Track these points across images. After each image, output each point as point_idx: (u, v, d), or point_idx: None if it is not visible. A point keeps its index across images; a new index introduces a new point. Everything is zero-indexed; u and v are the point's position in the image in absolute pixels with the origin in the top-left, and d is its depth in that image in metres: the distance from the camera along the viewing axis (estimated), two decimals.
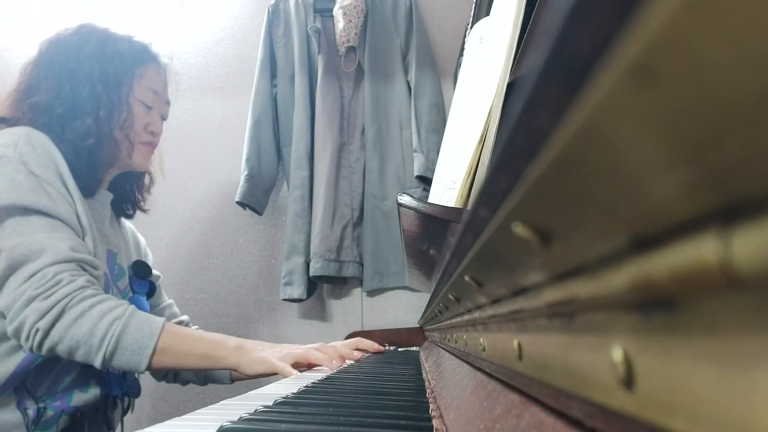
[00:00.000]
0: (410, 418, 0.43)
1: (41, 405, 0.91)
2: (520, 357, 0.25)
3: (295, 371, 0.89)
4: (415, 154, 1.73)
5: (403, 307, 1.77)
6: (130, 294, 1.07)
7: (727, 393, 0.10)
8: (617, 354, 0.14)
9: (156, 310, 1.17)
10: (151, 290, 1.13)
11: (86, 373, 0.97)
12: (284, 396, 0.54)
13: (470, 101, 0.80)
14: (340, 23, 1.74)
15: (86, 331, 0.82)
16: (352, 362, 1.03)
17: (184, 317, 1.23)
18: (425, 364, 0.86)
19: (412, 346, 1.55)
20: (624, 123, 0.10)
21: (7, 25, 2.03)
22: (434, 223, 0.66)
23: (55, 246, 0.84)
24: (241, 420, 0.41)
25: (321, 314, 1.82)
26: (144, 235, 1.24)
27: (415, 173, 1.71)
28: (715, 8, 0.07)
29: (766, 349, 0.09)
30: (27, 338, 0.82)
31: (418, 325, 1.49)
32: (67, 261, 0.85)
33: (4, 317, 0.85)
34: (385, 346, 1.45)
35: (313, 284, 1.73)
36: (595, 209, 0.13)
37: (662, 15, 0.08)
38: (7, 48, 2.00)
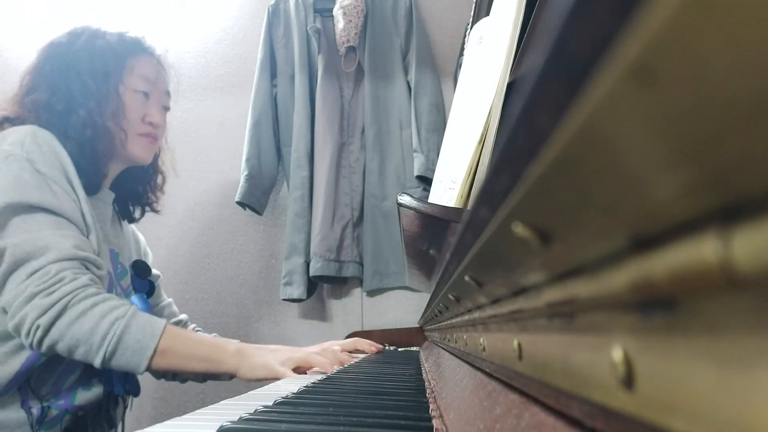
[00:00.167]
0: (410, 418, 0.42)
1: (45, 404, 0.91)
2: (520, 357, 0.25)
3: (296, 375, 0.89)
4: (415, 154, 1.73)
5: (403, 307, 1.77)
6: (133, 293, 1.08)
7: (727, 393, 0.10)
8: (617, 354, 0.14)
9: (155, 309, 1.17)
10: (151, 289, 1.13)
11: (89, 372, 0.97)
12: (284, 396, 0.54)
13: (470, 101, 0.80)
14: (340, 23, 1.74)
15: (87, 330, 0.82)
16: (352, 362, 1.03)
17: (183, 316, 1.23)
18: (425, 364, 0.86)
19: (412, 346, 1.55)
20: (624, 123, 0.10)
21: (7, 25, 2.03)
22: (434, 223, 0.66)
23: (59, 244, 0.85)
24: (241, 420, 0.41)
25: (321, 314, 1.82)
26: (144, 235, 1.24)
27: (415, 173, 1.71)
28: (715, 8, 0.07)
29: (766, 349, 0.09)
30: (27, 335, 0.82)
31: (418, 325, 1.49)
32: (70, 259, 0.85)
33: (7, 314, 0.85)
34: (385, 346, 1.45)
35: (313, 284, 1.73)
36: (595, 209, 0.13)
37: (662, 15, 0.08)
38: (7, 48, 2.00)
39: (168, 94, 1.12)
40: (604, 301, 0.15)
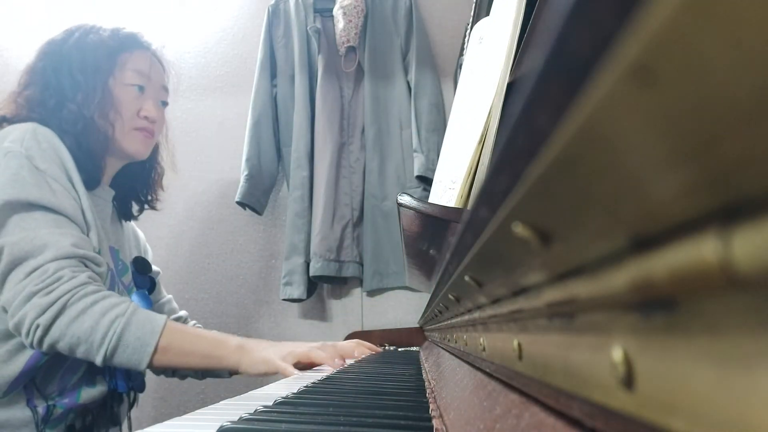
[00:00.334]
0: (410, 418, 0.42)
1: (50, 403, 0.92)
2: (520, 357, 0.25)
3: (296, 371, 0.89)
4: (415, 154, 1.73)
5: (403, 307, 1.77)
6: (134, 290, 1.08)
7: (727, 393, 0.10)
8: (617, 354, 0.14)
9: (156, 305, 1.18)
10: (152, 286, 1.14)
11: (93, 370, 0.97)
12: (284, 396, 0.54)
13: (470, 101, 0.80)
14: (340, 23, 1.74)
15: (87, 328, 0.82)
16: (352, 362, 1.03)
17: (183, 313, 1.23)
18: (425, 364, 0.86)
19: (412, 346, 1.55)
20: (624, 123, 0.10)
21: (7, 25, 2.03)
22: (434, 223, 0.66)
23: (57, 242, 0.84)
24: (241, 420, 0.41)
25: (321, 314, 1.82)
26: (144, 234, 1.24)
27: (415, 173, 1.71)
28: (715, 8, 0.07)
29: (766, 349, 0.09)
30: (27, 334, 0.82)
31: (418, 325, 1.49)
32: (69, 257, 0.85)
33: (7, 313, 0.85)
34: (385, 346, 1.45)
35: (313, 284, 1.73)
36: (595, 209, 0.13)
37: (662, 15, 0.08)
38: (7, 48, 2.00)
39: (165, 89, 1.12)
40: (604, 301, 0.15)
